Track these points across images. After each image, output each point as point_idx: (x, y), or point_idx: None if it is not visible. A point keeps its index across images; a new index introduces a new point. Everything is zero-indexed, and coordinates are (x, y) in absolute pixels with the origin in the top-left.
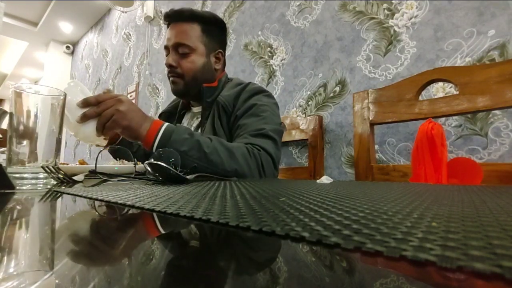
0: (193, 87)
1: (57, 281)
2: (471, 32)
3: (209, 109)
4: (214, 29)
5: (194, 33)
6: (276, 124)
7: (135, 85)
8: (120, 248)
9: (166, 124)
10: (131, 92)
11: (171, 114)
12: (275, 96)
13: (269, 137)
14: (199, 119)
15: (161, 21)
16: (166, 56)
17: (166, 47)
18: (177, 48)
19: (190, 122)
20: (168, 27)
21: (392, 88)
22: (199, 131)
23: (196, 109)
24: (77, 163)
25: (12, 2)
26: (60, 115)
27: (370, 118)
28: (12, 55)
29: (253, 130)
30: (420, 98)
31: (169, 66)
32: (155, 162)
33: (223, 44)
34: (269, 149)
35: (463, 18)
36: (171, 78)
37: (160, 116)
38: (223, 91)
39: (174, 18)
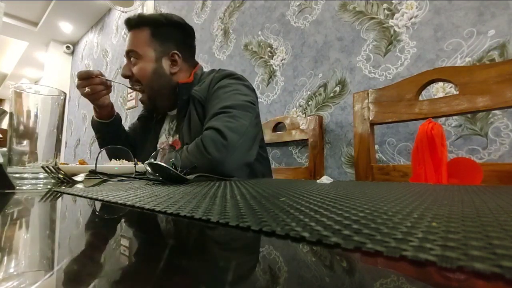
0: (157, 98)
1: (57, 281)
2: (471, 32)
3: (185, 107)
4: (166, 30)
5: (142, 38)
6: (237, 100)
7: None
8: (120, 248)
9: None
10: (131, 92)
11: (148, 119)
12: (275, 97)
13: (223, 113)
14: (176, 124)
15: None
16: None
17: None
18: (130, 57)
19: (170, 125)
20: None
21: (392, 88)
22: (178, 131)
23: (172, 112)
24: (77, 163)
25: (12, 2)
26: (60, 115)
27: (370, 118)
28: (12, 55)
29: (211, 115)
30: (420, 98)
31: (124, 76)
32: (155, 162)
33: (180, 44)
34: (216, 125)
35: (463, 18)
36: (134, 90)
37: (138, 119)
38: (198, 84)
39: (127, 25)
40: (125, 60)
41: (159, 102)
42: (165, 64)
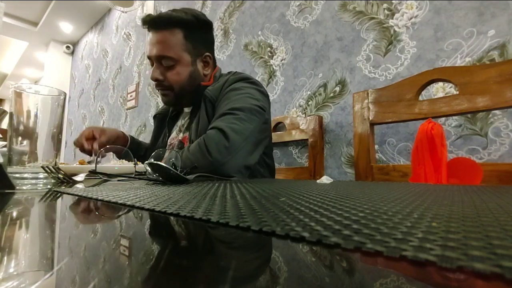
0: (184, 96)
1: (57, 281)
2: (471, 32)
3: (198, 107)
4: (198, 32)
5: (176, 42)
6: (247, 103)
7: (135, 85)
8: (120, 248)
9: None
10: (131, 92)
11: (164, 116)
12: (275, 97)
13: (230, 114)
14: (188, 121)
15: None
16: (152, 66)
17: (149, 57)
18: (160, 61)
19: (182, 122)
20: (148, 31)
21: (392, 88)
22: (189, 129)
23: (188, 109)
24: (77, 163)
25: (12, 2)
26: (60, 115)
27: (370, 118)
28: (12, 55)
29: (218, 115)
30: (420, 98)
31: (155, 80)
32: (155, 162)
33: (209, 45)
34: (221, 125)
35: (463, 18)
36: (160, 91)
37: (154, 118)
38: (212, 85)
39: (153, 25)
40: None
41: (185, 100)
42: (199, 66)
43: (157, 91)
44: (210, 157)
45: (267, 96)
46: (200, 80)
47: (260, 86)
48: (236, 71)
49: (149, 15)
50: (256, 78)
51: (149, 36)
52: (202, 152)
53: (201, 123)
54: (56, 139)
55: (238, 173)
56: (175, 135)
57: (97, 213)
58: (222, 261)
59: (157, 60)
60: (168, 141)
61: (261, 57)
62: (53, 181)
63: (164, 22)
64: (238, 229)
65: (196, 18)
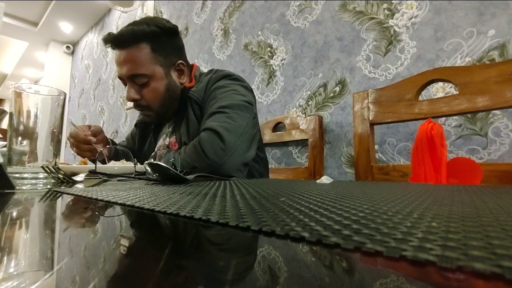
0: (166, 113)
1: (57, 281)
2: (471, 32)
3: (183, 109)
4: (165, 41)
5: (145, 57)
6: (234, 100)
7: None
8: (120, 248)
9: None
10: None
11: (147, 124)
12: (275, 97)
13: (220, 113)
14: (173, 125)
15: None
16: (124, 85)
17: (120, 78)
18: (133, 80)
19: (168, 129)
20: (113, 50)
21: (392, 88)
22: (175, 132)
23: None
24: (80, 162)
25: (12, 2)
26: (60, 115)
27: (370, 118)
28: (12, 55)
29: (208, 114)
30: (420, 98)
31: (132, 100)
32: (155, 162)
33: (180, 52)
34: (214, 126)
35: (463, 18)
36: (140, 112)
37: (135, 126)
38: (195, 86)
39: (117, 44)
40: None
41: (167, 115)
42: (174, 76)
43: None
44: (207, 159)
45: (251, 90)
46: (178, 90)
47: (243, 82)
48: (217, 69)
49: (109, 33)
50: (256, 78)
51: (115, 55)
52: (199, 155)
53: (191, 125)
54: (56, 139)
55: (238, 172)
56: (162, 142)
57: (97, 213)
58: (222, 261)
59: (129, 79)
60: (156, 148)
61: (261, 57)
62: (53, 181)
63: (128, 39)
64: (238, 229)
65: (160, 27)
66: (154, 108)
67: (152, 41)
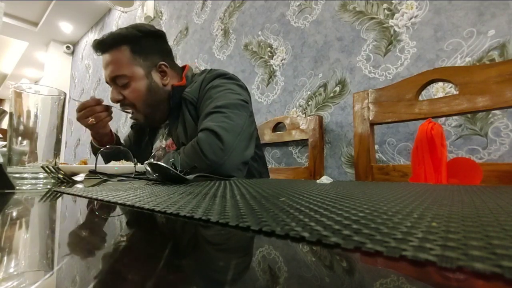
0: (154, 113)
1: (57, 281)
2: (471, 32)
3: (178, 110)
4: (146, 43)
5: (124, 59)
6: (230, 99)
7: None
8: (120, 248)
9: None
10: None
11: (142, 126)
12: (275, 97)
13: (217, 112)
14: (168, 127)
15: (161, 20)
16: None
17: (106, 82)
18: (115, 81)
19: (164, 131)
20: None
21: (392, 88)
22: (171, 134)
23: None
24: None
25: (12, 2)
26: (60, 115)
27: (370, 118)
28: (12, 55)
29: (205, 114)
30: (420, 98)
31: (115, 101)
32: (155, 162)
33: (163, 54)
34: (211, 126)
35: (463, 18)
36: (128, 114)
37: (131, 127)
38: (189, 86)
39: (100, 48)
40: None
41: (156, 117)
42: (156, 77)
43: None
44: (206, 160)
45: (246, 89)
46: (161, 91)
47: (238, 80)
48: (211, 68)
49: (95, 40)
50: (256, 78)
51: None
52: (198, 155)
53: (188, 126)
54: (56, 139)
55: (237, 171)
56: (159, 144)
57: (96, 213)
58: (222, 261)
59: (112, 81)
60: (153, 151)
61: (261, 57)
62: (53, 181)
63: (110, 42)
64: (237, 229)
65: (140, 30)
66: (138, 107)
67: (131, 43)
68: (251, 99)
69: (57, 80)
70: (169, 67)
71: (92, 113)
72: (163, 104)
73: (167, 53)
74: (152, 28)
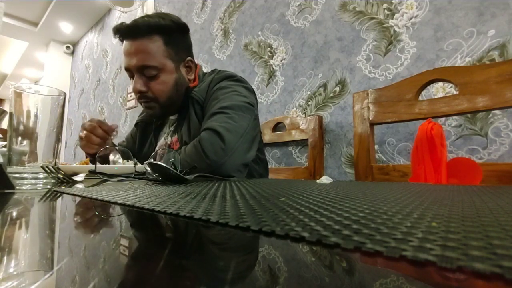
0: (170, 106)
1: (57, 281)
2: (471, 32)
3: (186, 109)
4: (178, 36)
5: (157, 49)
6: (236, 101)
7: None
8: (119, 248)
9: None
10: (131, 92)
11: (147, 124)
12: (275, 97)
13: (221, 113)
14: (175, 124)
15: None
16: (130, 78)
17: (127, 69)
18: (142, 71)
19: (170, 128)
20: (122, 41)
21: (392, 88)
22: (177, 132)
23: (174, 116)
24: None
25: (12, 2)
26: (60, 115)
27: (370, 118)
28: (12, 55)
29: (209, 115)
30: (420, 98)
31: (138, 92)
32: (155, 162)
33: (190, 49)
34: (214, 126)
35: (463, 18)
36: (143, 104)
37: (136, 126)
38: (197, 86)
39: (129, 34)
40: (121, 71)
41: (171, 111)
42: (183, 72)
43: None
44: (207, 159)
45: (253, 92)
46: (185, 86)
47: (245, 83)
48: (219, 70)
49: (122, 23)
50: (256, 78)
51: (124, 45)
52: (199, 155)
53: (192, 125)
54: (56, 139)
55: (237, 172)
56: (163, 141)
57: (96, 213)
58: (222, 261)
59: (138, 70)
60: (157, 148)
61: (261, 57)
62: (53, 181)
63: (142, 29)
64: (237, 229)
65: (175, 22)
66: (160, 101)
67: (165, 34)
68: None
69: (57, 80)
70: (194, 63)
71: (90, 132)
72: (180, 99)
73: (191, 49)
74: (181, 21)
